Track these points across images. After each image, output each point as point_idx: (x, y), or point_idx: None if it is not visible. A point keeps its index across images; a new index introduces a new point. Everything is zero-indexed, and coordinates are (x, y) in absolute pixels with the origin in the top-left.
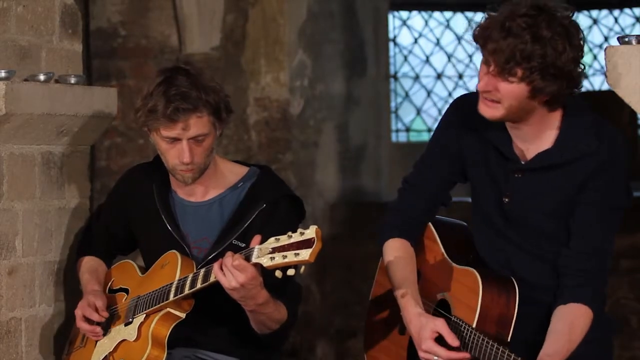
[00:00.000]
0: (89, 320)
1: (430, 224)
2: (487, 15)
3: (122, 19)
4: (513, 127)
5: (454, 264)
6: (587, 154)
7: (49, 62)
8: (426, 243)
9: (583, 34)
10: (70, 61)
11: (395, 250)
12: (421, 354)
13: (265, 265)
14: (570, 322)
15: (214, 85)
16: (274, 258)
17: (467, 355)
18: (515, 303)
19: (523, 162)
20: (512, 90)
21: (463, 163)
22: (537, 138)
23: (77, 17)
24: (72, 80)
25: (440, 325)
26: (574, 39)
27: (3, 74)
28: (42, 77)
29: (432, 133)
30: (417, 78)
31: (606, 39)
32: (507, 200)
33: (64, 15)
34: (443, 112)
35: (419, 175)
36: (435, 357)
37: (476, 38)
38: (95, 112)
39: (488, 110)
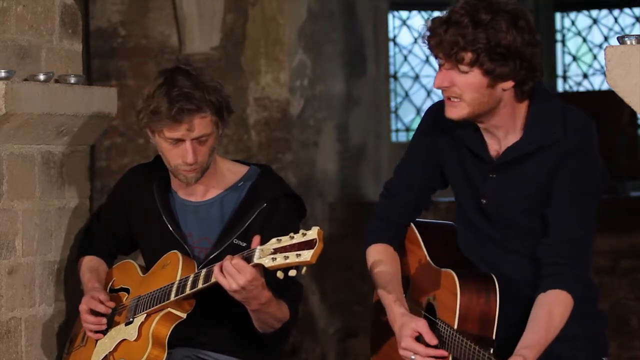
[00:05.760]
0: (94, 313)
1: (414, 227)
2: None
3: (122, 19)
4: (483, 125)
5: (436, 267)
6: (554, 142)
7: (49, 62)
8: (411, 248)
9: (531, 19)
10: (70, 61)
11: (378, 254)
12: (400, 352)
13: (267, 265)
14: (548, 310)
15: (215, 85)
16: (275, 259)
17: (444, 352)
18: (496, 300)
19: (495, 159)
20: (468, 81)
21: (441, 169)
22: (509, 133)
23: (77, 17)
24: (72, 80)
25: (421, 325)
26: (520, 22)
27: (3, 74)
28: (42, 77)
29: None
30: (417, 78)
31: (606, 39)
32: (484, 201)
33: (63, 15)
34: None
35: (398, 182)
36: (413, 356)
37: (424, 39)
38: (95, 112)
39: (453, 111)
